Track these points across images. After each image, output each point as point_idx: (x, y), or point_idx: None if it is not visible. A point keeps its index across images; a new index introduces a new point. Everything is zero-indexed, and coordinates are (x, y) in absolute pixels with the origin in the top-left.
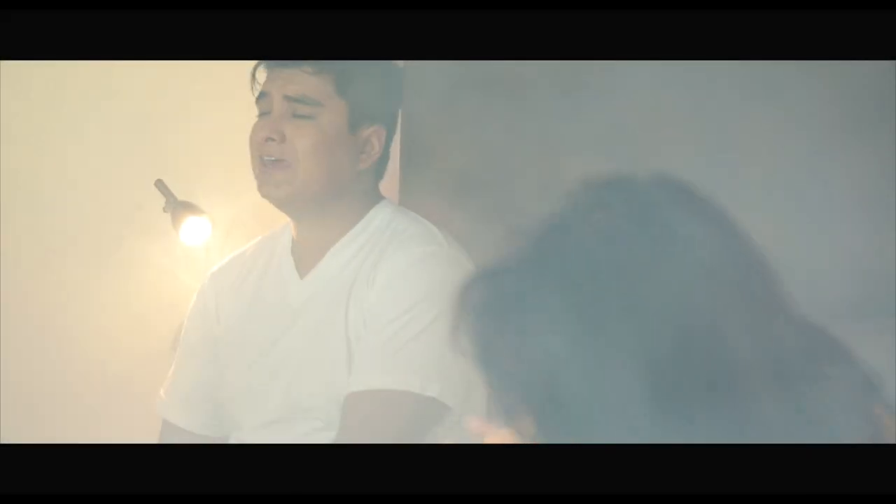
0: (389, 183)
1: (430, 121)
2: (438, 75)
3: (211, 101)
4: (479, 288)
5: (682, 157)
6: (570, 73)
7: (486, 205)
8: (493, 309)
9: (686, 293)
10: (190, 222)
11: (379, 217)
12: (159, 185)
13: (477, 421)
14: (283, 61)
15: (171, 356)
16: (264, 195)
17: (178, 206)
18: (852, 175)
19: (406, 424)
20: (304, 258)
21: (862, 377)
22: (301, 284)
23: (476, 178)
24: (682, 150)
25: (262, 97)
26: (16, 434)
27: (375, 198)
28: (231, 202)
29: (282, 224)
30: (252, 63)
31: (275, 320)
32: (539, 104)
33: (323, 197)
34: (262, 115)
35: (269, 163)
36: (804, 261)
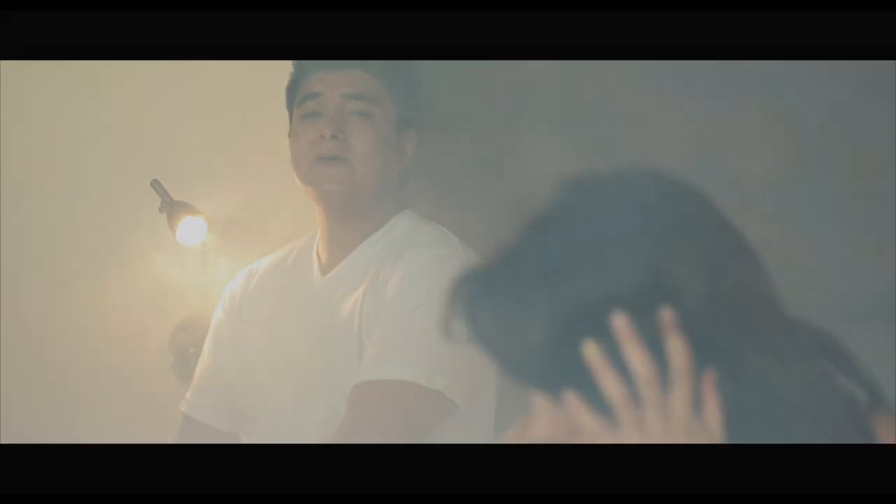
0: None
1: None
2: (434, 75)
3: (207, 101)
4: (470, 282)
5: (681, 157)
6: (570, 73)
7: (482, 205)
8: (484, 299)
9: (672, 283)
10: (186, 222)
11: (402, 223)
12: (155, 185)
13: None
14: (335, 62)
15: (168, 355)
16: (322, 192)
17: (174, 207)
18: (851, 175)
19: (410, 416)
20: (329, 258)
21: (861, 378)
22: (322, 282)
23: (474, 178)
24: (681, 151)
25: (312, 98)
26: (16, 434)
27: (401, 203)
28: (227, 202)
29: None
30: (250, 64)
31: (294, 316)
32: (538, 104)
33: (375, 193)
34: (311, 115)
35: (325, 160)
36: (804, 261)
